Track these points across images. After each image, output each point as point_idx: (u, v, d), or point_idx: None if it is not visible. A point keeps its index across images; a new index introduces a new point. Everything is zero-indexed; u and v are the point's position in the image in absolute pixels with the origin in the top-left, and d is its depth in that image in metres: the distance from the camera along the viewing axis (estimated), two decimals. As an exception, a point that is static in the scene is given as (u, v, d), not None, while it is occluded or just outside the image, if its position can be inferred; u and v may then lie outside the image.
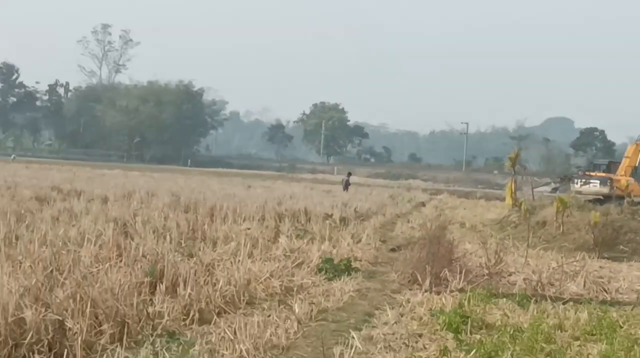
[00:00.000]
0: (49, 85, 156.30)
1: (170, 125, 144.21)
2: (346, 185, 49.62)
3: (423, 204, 42.99)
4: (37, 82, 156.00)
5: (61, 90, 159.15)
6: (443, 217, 33.00)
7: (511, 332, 10.05)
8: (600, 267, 17.51)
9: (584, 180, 43.19)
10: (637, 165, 44.38)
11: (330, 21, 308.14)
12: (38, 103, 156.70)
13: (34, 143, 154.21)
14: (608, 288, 14.21)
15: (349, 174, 54.85)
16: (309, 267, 15.02)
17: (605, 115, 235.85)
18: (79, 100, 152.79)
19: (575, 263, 17.00)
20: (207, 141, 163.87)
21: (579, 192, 41.20)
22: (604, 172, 45.01)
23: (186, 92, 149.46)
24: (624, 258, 20.47)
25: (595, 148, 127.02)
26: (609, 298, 13.39)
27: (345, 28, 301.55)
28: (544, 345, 9.46)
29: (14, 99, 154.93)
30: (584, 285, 14.31)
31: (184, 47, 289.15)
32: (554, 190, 79.16)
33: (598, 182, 42.39)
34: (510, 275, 16.19)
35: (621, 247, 22.07)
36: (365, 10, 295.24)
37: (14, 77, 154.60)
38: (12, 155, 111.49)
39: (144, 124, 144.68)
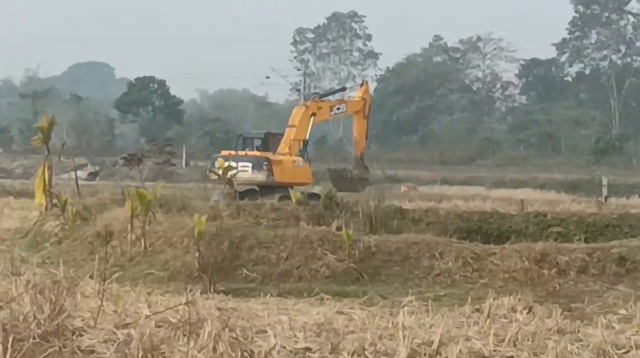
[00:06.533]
0: None
1: None
2: None
3: None
4: None
5: None
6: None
7: None
8: (219, 308, 11.18)
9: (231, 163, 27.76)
10: (307, 138, 31.41)
11: None
12: None
13: None
14: (254, 351, 8.01)
15: None
16: None
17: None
18: None
19: (180, 306, 10.71)
20: None
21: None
22: (258, 149, 30.57)
23: None
24: (251, 290, 13.76)
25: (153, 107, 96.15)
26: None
27: None
28: None
29: None
30: (214, 350, 8.09)
31: None
32: (92, 176, 59.38)
33: (250, 165, 28.86)
34: (80, 334, 9.66)
35: (245, 271, 14.44)
36: None
37: None
38: None
39: None
